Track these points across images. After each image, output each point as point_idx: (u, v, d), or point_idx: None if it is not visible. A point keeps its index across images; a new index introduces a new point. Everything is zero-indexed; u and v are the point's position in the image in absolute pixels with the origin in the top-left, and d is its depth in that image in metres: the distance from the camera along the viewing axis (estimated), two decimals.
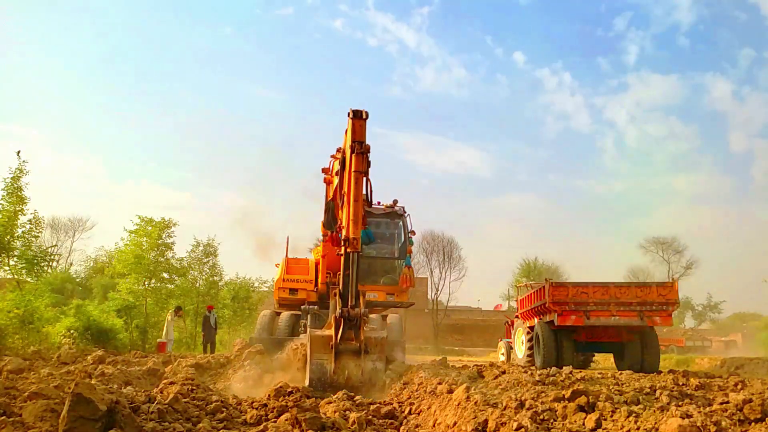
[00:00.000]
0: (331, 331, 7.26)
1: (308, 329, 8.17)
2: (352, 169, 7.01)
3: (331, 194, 10.23)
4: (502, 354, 19.19)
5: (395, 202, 14.26)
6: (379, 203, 13.82)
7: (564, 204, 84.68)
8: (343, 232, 7.14)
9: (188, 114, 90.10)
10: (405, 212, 14.10)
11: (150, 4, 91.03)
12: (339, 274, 7.76)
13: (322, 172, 11.31)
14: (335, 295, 7.57)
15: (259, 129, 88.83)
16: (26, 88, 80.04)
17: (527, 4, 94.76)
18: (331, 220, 9.61)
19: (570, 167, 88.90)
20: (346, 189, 7.33)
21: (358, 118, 7.10)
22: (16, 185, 15.01)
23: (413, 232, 14.12)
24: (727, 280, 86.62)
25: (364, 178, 7.28)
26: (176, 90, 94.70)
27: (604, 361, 19.98)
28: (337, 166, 9.53)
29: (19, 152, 15.18)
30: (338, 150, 9.45)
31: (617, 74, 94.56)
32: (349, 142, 7.36)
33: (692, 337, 38.14)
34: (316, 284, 13.21)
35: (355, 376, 7.22)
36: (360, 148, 6.96)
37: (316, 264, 13.56)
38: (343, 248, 7.39)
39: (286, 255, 14.28)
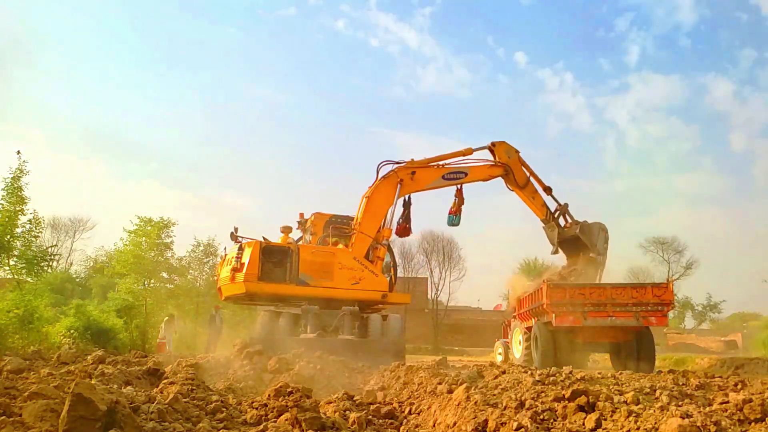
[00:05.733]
0: None
1: None
2: None
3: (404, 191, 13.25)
4: (499, 354, 19.20)
5: None
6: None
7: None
8: None
9: (189, 114, 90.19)
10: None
11: (152, 4, 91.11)
12: None
13: (398, 174, 13.29)
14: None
15: (261, 129, 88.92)
16: (28, 89, 79.99)
17: (529, 4, 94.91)
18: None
19: (571, 167, 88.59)
20: None
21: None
22: (16, 185, 14.99)
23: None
24: (727, 280, 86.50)
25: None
26: (178, 90, 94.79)
27: (604, 361, 19.96)
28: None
29: (19, 152, 15.17)
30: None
31: (619, 74, 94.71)
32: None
33: None
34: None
35: None
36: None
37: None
38: None
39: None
